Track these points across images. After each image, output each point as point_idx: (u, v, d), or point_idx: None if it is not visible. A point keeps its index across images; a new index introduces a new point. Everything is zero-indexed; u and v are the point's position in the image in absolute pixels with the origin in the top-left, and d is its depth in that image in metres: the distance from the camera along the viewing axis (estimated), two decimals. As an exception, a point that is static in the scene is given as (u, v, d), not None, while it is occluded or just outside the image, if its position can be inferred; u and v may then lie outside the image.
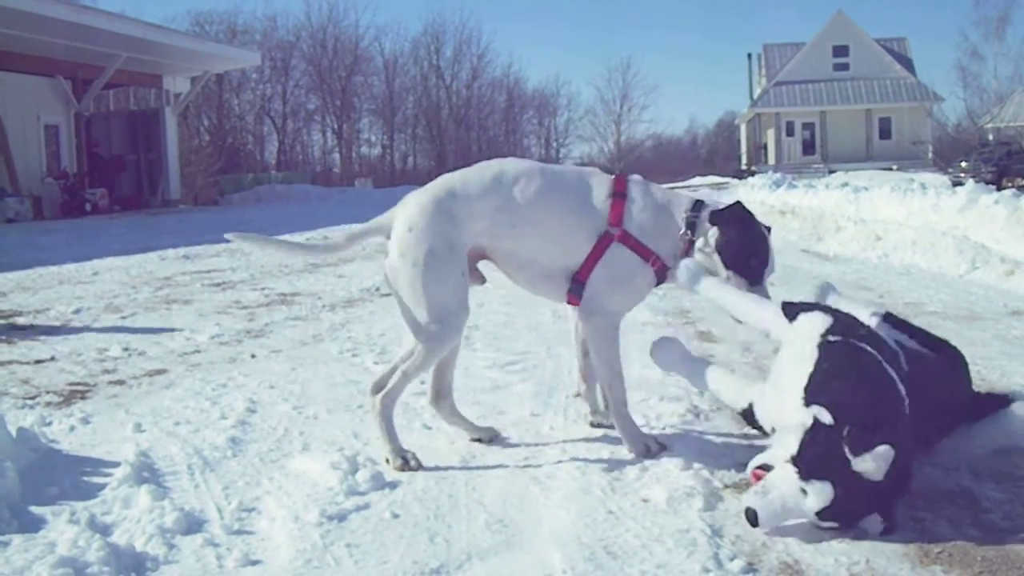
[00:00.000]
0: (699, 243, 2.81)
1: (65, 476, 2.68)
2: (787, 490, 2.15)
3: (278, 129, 50.77)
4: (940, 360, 2.71)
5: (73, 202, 21.40)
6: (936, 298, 6.06)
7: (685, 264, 2.80)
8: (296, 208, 23.40)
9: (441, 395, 3.00)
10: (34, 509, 2.42)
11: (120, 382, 4.00)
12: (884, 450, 2.06)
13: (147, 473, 2.69)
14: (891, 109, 43.95)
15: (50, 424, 3.26)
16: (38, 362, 4.48)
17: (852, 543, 2.15)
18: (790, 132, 45.39)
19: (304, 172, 44.42)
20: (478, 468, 2.74)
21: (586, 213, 2.80)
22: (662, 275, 2.85)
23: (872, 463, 2.06)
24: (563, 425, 3.16)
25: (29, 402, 3.63)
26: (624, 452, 2.81)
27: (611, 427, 2.94)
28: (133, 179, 25.58)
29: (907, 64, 45.42)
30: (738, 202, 2.86)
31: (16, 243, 12.80)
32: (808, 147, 44.97)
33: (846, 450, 2.10)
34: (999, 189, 10.60)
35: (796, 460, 2.17)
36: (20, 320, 5.89)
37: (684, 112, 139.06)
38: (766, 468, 2.26)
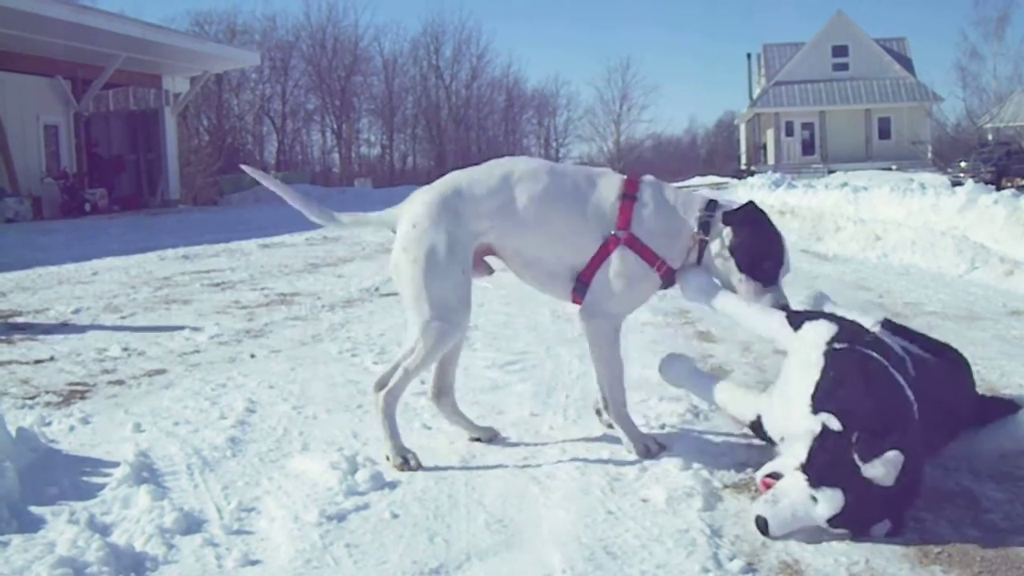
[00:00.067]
0: (714, 246, 2.77)
1: (64, 476, 2.67)
2: (797, 498, 2.15)
3: (277, 129, 50.79)
4: (944, 365, 2.70)
5: (72, 202, 21.41)
6: (935, 298, 6.06)
7: (694, 280, 2.78)
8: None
9: (443, 392, 3.00)
10: (33, 509, 2.41)
11: (119, 382, 3.99)
12: (894, 455, 2.05)
13: (146, 473, 2.69)
14: (890, 109, 43.96)
15: (49, 424, 3.26)
16: (37, 362, 4.48)
17: (852, 543, 2.15)
18: (789, 132, 45.39)
19: (303, 172, 44.39)
20: (478, 468, 2.74)
21: (593, 215, 2.79)
22: (668, 279, 2.83)
23: (882, 469, 2.05)
24: (563, 425, 3.16)
25: (28, 402, 3.63)
26: (624, 452, 2.81)
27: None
28: (132, 179, 25.60)
29: (906, 64, 45.42)
30: (751, 202, 2.82)
31: (15, 243, 12.79)
32: (807, 147, 44.97)
33: (855, 457, 2.08)
34: (998, 189, 10.62)
35: (805, 468, 2.16)
36: (19, 320, 5.89)
37: (684, 112, 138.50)
38: (775, 476, 2.25)
